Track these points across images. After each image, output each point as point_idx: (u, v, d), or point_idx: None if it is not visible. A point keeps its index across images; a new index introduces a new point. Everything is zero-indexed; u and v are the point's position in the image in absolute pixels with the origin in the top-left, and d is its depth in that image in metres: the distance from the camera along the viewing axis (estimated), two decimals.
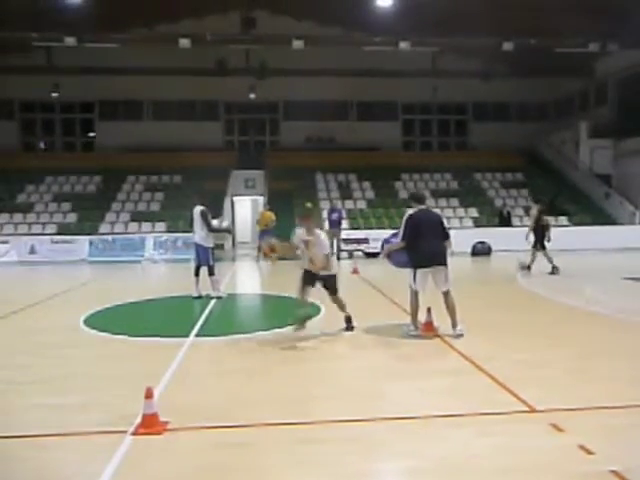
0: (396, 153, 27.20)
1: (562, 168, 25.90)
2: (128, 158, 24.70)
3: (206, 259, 9.62)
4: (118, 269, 15.95)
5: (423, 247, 6.40)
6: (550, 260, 12.33)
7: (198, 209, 9.65)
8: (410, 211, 6.71)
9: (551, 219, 21.05)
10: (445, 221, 7.03)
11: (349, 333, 6.79)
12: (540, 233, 12.55)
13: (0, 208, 21.28)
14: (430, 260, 6.45)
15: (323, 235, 6.53)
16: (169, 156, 24.53)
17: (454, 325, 6.44)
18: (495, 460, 3.35)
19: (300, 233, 6.58)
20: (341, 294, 6.77)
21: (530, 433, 3.71)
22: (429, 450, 3.50)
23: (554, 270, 12.10)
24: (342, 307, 6.87)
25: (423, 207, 6.68)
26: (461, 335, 6.31)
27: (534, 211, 13.11)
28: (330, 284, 6.63)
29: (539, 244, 12.56)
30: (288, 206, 20.55)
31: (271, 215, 17.40)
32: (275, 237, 16.61)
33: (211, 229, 9.69)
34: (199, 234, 9.64)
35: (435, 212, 7.27)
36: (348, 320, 6.83)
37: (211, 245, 9.77)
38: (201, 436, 3.78)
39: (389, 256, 6.88)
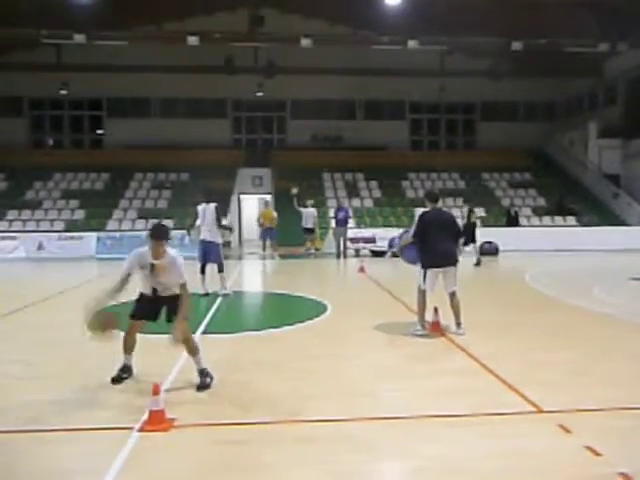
0: (403, 152, 27.15)
1: (570, 168, 25.76)
2: (136, 155, 24.76)
3: (217, 256, 9.62)
4: None
5: (435, 247, 6.38)
6: (477, 254, 14.60)
7: (212, 205, 9.63)
8: (423, 209, 6.72)
9: (559, 219, 21.32)
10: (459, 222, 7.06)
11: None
12: (471, 230, 14.31)
13: (9, 204, 21.41)
14: (442, 261, 6.45)
15: (180, 259, 4.70)
16: (176, 153, 24.56)
17: (458, 324, 6.53)
18: (502, 460, 3.33)
19: (142, 254, 4.70)
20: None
21: (537, 434, 3.69)
22: (434, 450, 3.48)
23: (478, 262, 14.38)
24: (193, 350, 4.73)
25: (437, 206, 6.69)
26: (462, 334, 6.37)
27: (465, 210, 15.21)
28: (175, 308, 4.67)
29: (470, 240, 14.24)
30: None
31: (272, 213, 17.48)
32: (275, 238, 16.81)
33: (221, 225, 9.72)
34: (210, 232, 9.61)
35: (448, 212, 7.24)
36: (203, 374, 4.70)
37: (221, 242, 9.79)
38: (207, 433, 3.78)
39: (402, 252, 6.90)
